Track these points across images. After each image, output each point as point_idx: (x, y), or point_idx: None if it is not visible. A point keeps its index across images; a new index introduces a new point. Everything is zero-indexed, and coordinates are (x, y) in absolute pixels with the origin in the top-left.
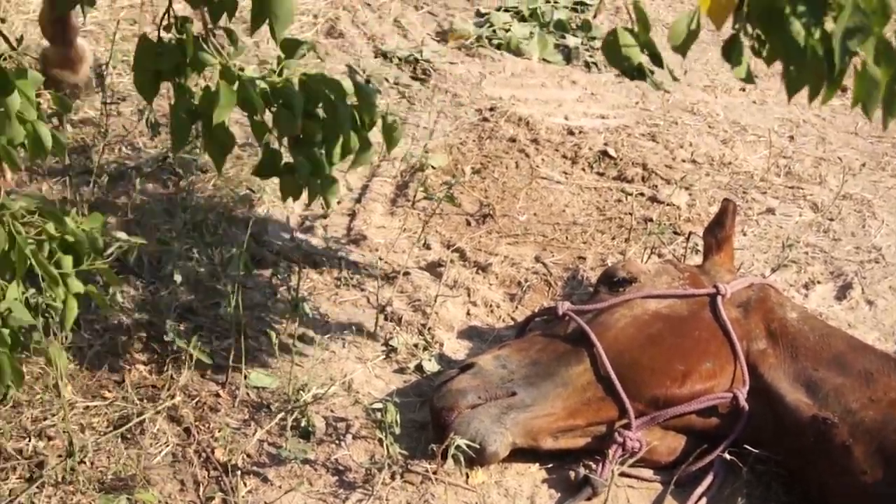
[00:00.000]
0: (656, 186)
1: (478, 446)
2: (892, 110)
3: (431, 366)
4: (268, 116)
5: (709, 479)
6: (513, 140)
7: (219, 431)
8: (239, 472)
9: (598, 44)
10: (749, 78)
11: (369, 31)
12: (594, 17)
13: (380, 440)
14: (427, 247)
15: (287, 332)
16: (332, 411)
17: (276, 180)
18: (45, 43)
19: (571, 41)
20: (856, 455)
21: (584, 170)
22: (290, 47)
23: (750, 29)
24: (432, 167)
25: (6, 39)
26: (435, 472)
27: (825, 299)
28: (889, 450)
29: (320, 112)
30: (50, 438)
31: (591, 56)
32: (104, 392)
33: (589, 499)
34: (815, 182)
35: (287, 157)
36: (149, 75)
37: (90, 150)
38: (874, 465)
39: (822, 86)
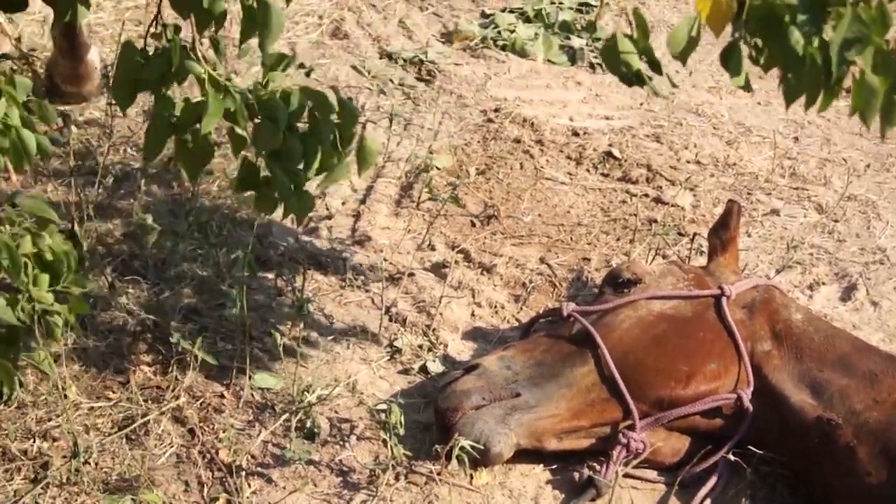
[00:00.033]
0: (661, 187)
1: (482, 447)
2: (890, 119)
3: (436, 367)
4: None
5: (713, 481)
6: (517, 141)
7: (223, 432)
8: (243, 473)
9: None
10: (748, 86)
11: (374, 32)
12: (599, 13)
13: (384, 441)
14: (432, 248)
15: (292, 334)
16: (336, 412)
17: None
18: (51, 44)
19: (576, 42)
20: (860, 456)
21: (588, 171)
22: (276, 60)
23: (748, 37)
24: (437, 168)
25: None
26: (439, 473)
27: (830, 300)
28: (893, 451)
29: (302, 126)
30: (54, 439)
31: (595, 57)
32: (109, 393)
33: (593, 500)
34: (820, 183)
35: (264, 171)
36: (129, 83)
37: (95, 152)
38: (878, 467)
39: (819, 94)
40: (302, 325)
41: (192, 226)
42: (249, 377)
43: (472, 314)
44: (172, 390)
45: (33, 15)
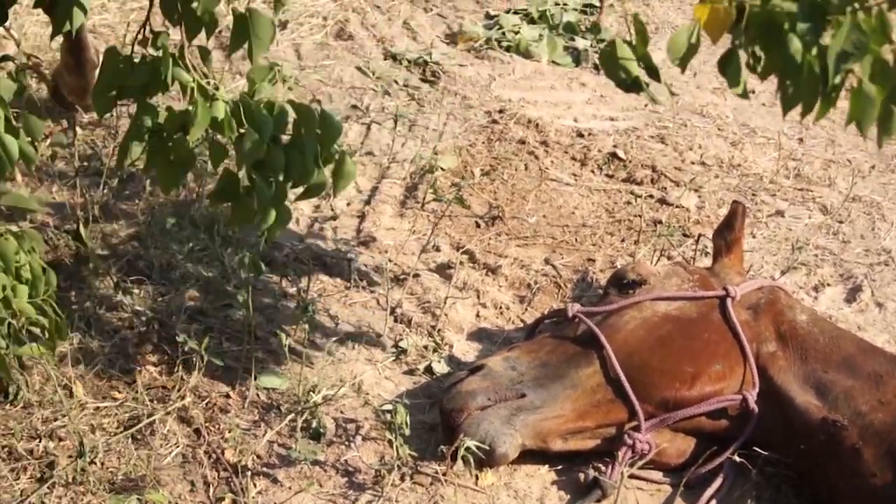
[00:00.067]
0: (665, 188)
1: (487, 448)
2: (888, 129)
3: (441, 367)
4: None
5: (718, 482)
6: (522, 142)
7: (229, 432)
8: (249, 473)
9: None
10: (745, 93)
11: (379, 33)
12: (598, 18)
13: (389, 441)
14: (437, 249)
15: (297, 334)
16: (341, 412)
17: None
18: (54, 45)
19: (581, 43)
20: (865, 457)
21: (593, 172)
22: (261, 72)
23: (747, 44)
24: (441, 169)
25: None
26: (444, 474)
27: (835, 301)
28: None
29: (284, 138)
30: (60, 439)
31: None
32: (114, 393)
33: (598, 501)
34: (825, 184)
35: (243, 182)
36: (110, 90)
37: (100, 153)
38: (884, 468)
39: (816, 102)
40: (307, 326)
41: (198, 226)
42: (255, 377)
43: (477, 315)
44: (178, 390)
45: (38, 15)
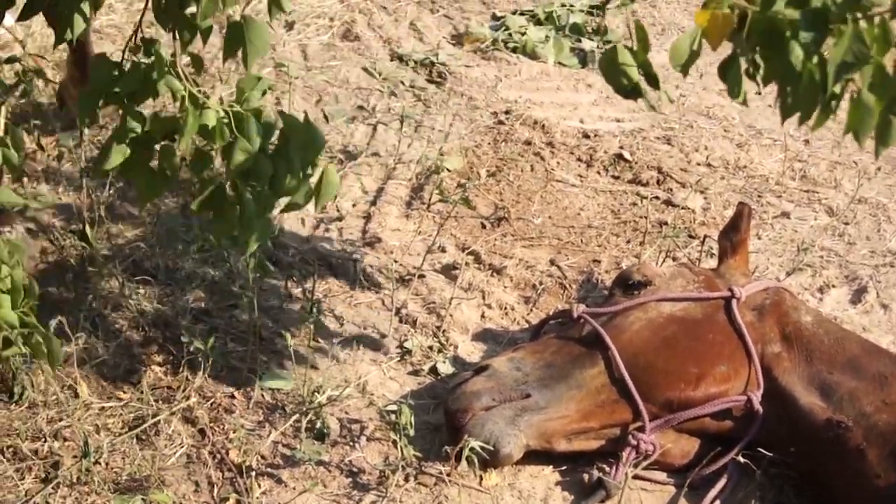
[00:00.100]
0: (671, 190)
1: (492, 448)
2: (885, 140)
3: (446, 368)
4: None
5: (722, 482)
6: (528, 143)
7: (233, 433)
8: (253, 474)
9: None
10: (745, 101)
11: (385, 34)
12: (602, 15)
13: (394, 442)
14: (442, 249)
15: (302, 335)
16: (346, 413)
17: None
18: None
19: (587, 45)
20: (870, 458)
21: (599, 173)
22: (251, 81)
23: (748, 51)
24: (447, 170)
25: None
26: (449, 474)
27: (840, 303)
28: None
29: (270, 148)
30: (65, 439)
31: None
32: (119, 393)
33: (602, 501)
34: (831, 186)
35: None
36: (98, 96)
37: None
38: (888, 469)
39: (814, 110)
40: (312, 327)
41: (203, 226)
42: (260, 378)
43: (483, 316)
44: (183, 391)
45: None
